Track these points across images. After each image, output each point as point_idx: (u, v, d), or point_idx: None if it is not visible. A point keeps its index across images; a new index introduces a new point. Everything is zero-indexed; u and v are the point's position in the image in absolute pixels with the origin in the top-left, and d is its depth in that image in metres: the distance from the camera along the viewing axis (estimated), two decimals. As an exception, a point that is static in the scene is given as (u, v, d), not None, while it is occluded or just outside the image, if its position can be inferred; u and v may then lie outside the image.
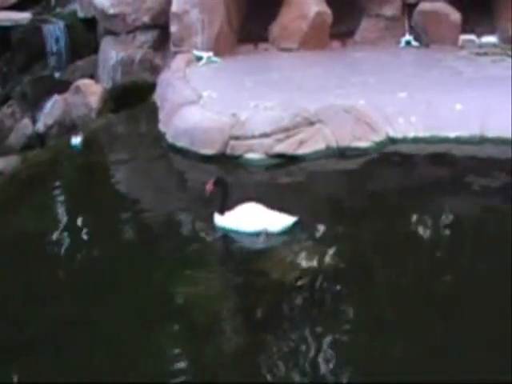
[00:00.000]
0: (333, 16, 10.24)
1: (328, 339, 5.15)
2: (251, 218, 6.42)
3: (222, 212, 6.47)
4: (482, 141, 8.11)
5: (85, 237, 6.72)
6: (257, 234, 6.36)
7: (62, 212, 7.19)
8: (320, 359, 4.98)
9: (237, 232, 6.41)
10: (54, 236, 6.64)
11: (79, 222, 6.95)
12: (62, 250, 6.42)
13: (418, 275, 5.87)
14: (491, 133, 8.09)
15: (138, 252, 6.42)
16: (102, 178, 8.04)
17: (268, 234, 6.35)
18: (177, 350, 5.20)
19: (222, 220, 6.48)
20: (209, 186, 6.48)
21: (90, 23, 11.35)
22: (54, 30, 11.47)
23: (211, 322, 5.44)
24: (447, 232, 6.67)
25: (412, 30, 10.44)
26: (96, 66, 10.97)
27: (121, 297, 5.70)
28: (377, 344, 5.09)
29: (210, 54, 9.89)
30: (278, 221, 6.38)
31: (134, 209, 7.21)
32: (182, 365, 5.04)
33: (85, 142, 8.72)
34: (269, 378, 4.88)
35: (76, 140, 8.61)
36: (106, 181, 7.96)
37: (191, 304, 5.68)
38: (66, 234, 6.72)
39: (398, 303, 5.55)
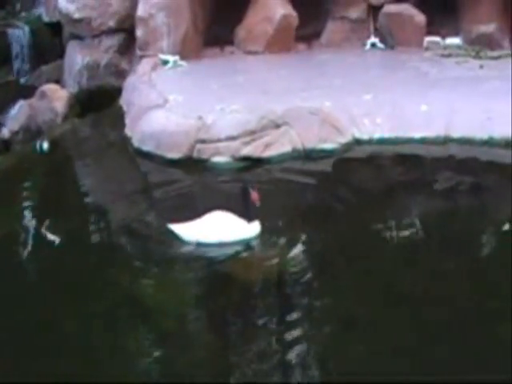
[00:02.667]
0: (298, 18, 10.27)
1: (294, 339, 5.15)
2: (219, 228, 6.29)
3: (251, 219, 6.29)
4: (447, 141, 8.17)
5: (50, 241, 6.67)
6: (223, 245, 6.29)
7: (27, 217, 7.12)
8: (286, 359, 4.99)
9: (205, 244, 6.29)
10: (19, 240, 6.60)
11: (45, 226, 6.89)
12: (27, 254, 6.39)
13: (383, 276, 5.91)
14: (456, 133, 8.16)
15: (103, 256, 6.40)
16: (68, 183, 7.98)
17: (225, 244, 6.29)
18: (143, 353, 5.17)
19: (256, 226, 6.30)
20: (254, 196, 6.25)
21: (56, 28, 11.27)
22: (19, 35, 11.37)
23: (177, 325, 5.44)
24: (413, 232, 6.69)
25: (377, 32, 10.51)
26: (62, 71, 10.90)
27: (86, 301, 5.67)
28: (343, 343, 5.12)
29: (176, 57, 9.88)
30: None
31: (99, 213, 7.19)
32: (148, 367, 5.02)
33: (51, 147, 8.67)
34: (237, 378, 4.89)
35: (42, 145, 8.56)
36: (72, 186, 7.92)
37: (157, 307, 5.68)
38: (31, 238, 6.68)
39: (364, 304, 5.57)
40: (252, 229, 6.30)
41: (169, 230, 6.44)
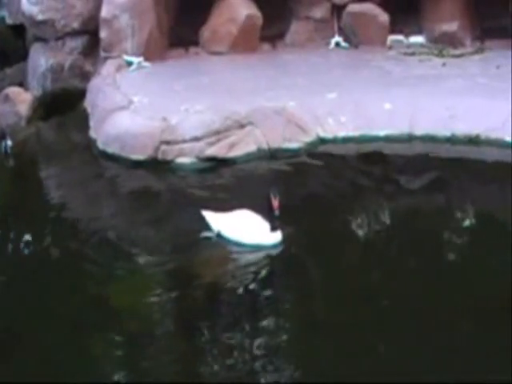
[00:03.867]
0: (263, 19, 10.27)
1: (263, 341, 5.21)
2: (242, 228, 6.33)
3: (275, 228, 6.23)
4: (411, 138, 8.24)
5: (14, 246, 6.66)
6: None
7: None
8: (256, 360, 5.03)
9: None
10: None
11: (8, 230, 6.87)
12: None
13: (350, 274, 5.96)
14: (419, 131, 8.23)
15: (69, 260, 6.38)
16: (32, 187, 7.96)
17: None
18: (111, 357, 5.19)
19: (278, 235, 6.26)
20: (276, 205, 6.16)
21: (19, 30, 11.15)
22: (-18, 38, 11.28)
23: (146, 328, 5.43)
24: (378, 230, 6.76)
25: (341, 32, 10.52)
26: (25, 74, 10.80)
27: (54, 306, 5.66)
28: (312, 343, 5.16)
29: (141, 58, 9.84)
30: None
31: (65, 216, 7.15)
32: (116, 370, 5.03)
33: (14, 151, 8.61)
34: (207, 380, 4.90)
35: (5, 148, 8.51)
36: (36, 189, 7.89)
37: (126, 311, 5.68)
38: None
39: (332, 303, 5.61)
40: (273, 238, 6.25)
41: (135, 231, 6.39)
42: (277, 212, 6.16)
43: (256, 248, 6.24)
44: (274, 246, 6.24)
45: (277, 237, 6.25)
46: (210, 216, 6.46)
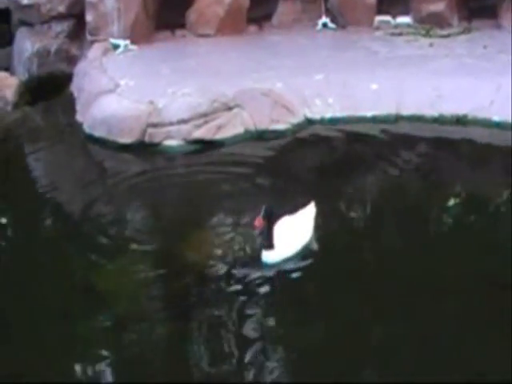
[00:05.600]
0: (249, 0, 10.24)
1: (251, 325, 5.23)
2: (298, 237, 5.96)
3: (271, 247, 5.80)
4: (398, 119, 8.24)
5: (3, 230, 6.64)
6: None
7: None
8: (246, 341, 5.06)
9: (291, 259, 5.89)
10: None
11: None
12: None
13: (340, 253, 5.97)
14: (406, 111, 8.23)
15: (57, 244, 6.38)
16: (19, 172, 7.92)
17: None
18: (100, 340, 5.18)
19: (273, 255, 5.79)
20: (258, 222, 5.75)
21: (4, 14, 11.05)
22: (-33, 23, 11.18)
23: (134, 312, 5.44)
24: (366, 210, 6.77)
25: (328, 13, 10.48)
26: (11, 58, 10.73)
27: (41, 289, 5.65)
28: (302, 322, 5.18)
29: (127, 42, 9.78)
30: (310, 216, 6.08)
31: (52, 201, 7.15)
32: (104, 354, 5.03)
33: (1, 136, 8.57)
34: (194, 365, 4.92)
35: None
36: (23, 174, 7.86)
37: (114, 294, 5.68)
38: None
39: (323, 284, 5.63)
40: (267, 255, 5.82)
41: (123, 215, 6.42)
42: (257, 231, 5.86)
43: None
44: (270, 266, 5.84)
45: (272, 256, 5.82)
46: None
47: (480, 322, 5.06)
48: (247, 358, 4.93)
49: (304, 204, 6.20)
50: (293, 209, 6.14)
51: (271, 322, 5.32)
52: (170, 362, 4.99)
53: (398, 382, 4.66)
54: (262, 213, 5.73)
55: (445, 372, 4.67)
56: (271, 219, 5.81)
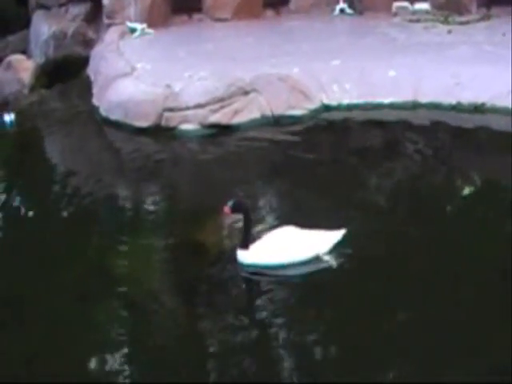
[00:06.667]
0: (267, -15, 10.23)
1: (262, 306, 5.21)
2: (287, 247, 5.53)
3: (245, 246, 5.51)
4: (416, 106, 8.18)
5: (21, 213, 6.67)
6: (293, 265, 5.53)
7: (-6, 189, 7.08)
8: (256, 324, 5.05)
9: (269, 267, 5.55)
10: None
11: (15, 198, 6.88)
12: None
13: (356, 238, 5.92)
14: (424, 98, 8.17)
15: (74, 226, 6.38)
16: (36, 155, 7.96)
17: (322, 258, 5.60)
18: (115, 324, 5.18)
19: (248, 256, 5.51)
20: (226, 210, 5.58)
21: (21, -3, 11.14)
22: (-16, 5, 11.22)
23: (149, 296, 5.43)
24: (382, 196, 6.73)
25: (346, -2, 10.47)
26: (28, 41, 10.78)
27: (58, 272, 5.65)
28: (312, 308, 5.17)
29: (144, 25, 9.80)
30: (325, 240, 5.60)
31: (69, 184, 7.15)
32: (119, 339, 5.03)
33: (18, 119, 8.60)
34: (205, 351, 4.90)
35: (8, 118, 8.49)
36: (40, 157, 7.90)
37: (129, 277, 5.67)
38: (1, 211, 6.64)
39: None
40: (243, 255, 5.56)
41: (139, 198, 6.39)
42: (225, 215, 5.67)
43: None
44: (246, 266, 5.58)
45: (247, 257, 5.53)
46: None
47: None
48: (260, 339, 4.91)
49: (332, 227, 5.72)
50: (313, 224, 5.77)
51: (285, 303, 5.30)
52: (183, 343, 4.98)
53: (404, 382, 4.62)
54: (231, 203, 5.56)
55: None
56: (247, 216, 5.60)
